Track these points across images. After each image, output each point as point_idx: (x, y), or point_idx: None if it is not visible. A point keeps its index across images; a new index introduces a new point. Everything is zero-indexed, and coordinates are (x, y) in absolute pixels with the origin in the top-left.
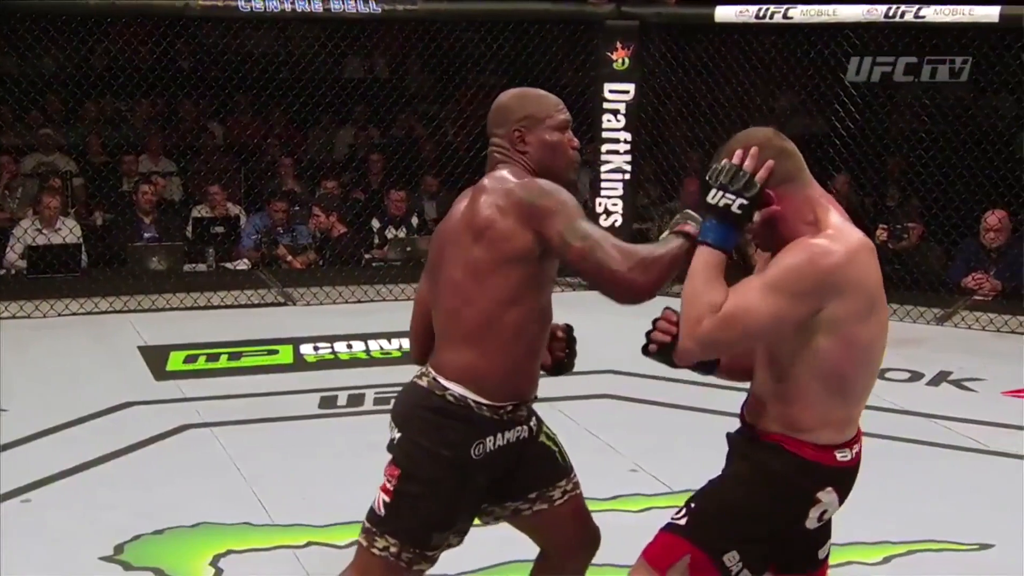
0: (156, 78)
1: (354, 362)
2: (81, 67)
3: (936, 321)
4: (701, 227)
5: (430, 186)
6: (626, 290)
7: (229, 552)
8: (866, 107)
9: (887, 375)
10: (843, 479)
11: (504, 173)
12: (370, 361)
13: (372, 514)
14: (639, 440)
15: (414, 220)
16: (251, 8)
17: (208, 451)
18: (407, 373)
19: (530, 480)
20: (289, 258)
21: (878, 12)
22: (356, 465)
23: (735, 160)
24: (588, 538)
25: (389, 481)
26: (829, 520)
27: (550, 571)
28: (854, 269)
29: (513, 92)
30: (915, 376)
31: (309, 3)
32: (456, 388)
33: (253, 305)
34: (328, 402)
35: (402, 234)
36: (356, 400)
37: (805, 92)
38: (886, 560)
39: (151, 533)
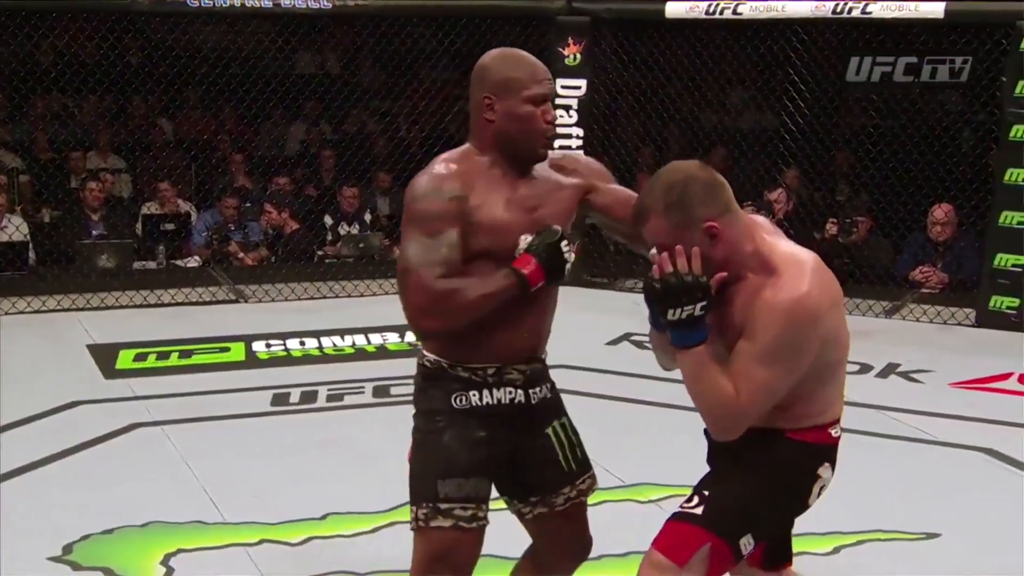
0: (104, 74)
1: (307, 359)
2: (27, 63)
3: (885, 314)
4: (672, 336)
5: (383, 182)
6: (412, 328)
7: (180, 551)
8: (815, 103)
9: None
10: (835, 453)
11: (442, 157)
12: (323, 358)
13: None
14: (590, 434)
15: (367, 216)
16: (200, 3)
17: (158, 450)
18: (360, 370)
19: (533, 481)
20: (241, 255)
21: (826, 8)
22: (309, 462)
23: (680, 267)
24: (580, 547)
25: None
26: None
27: (537, 570)
28: (823, 295)
29: (497, 53)
30: (864, 368)
31: None
32: (430, 355)
33: (204, 303)
34: (281, 399)
35: (355, 230)
36: (309, 397)
37: (755, 87)
38: (836, 550)
39: (100, 533)
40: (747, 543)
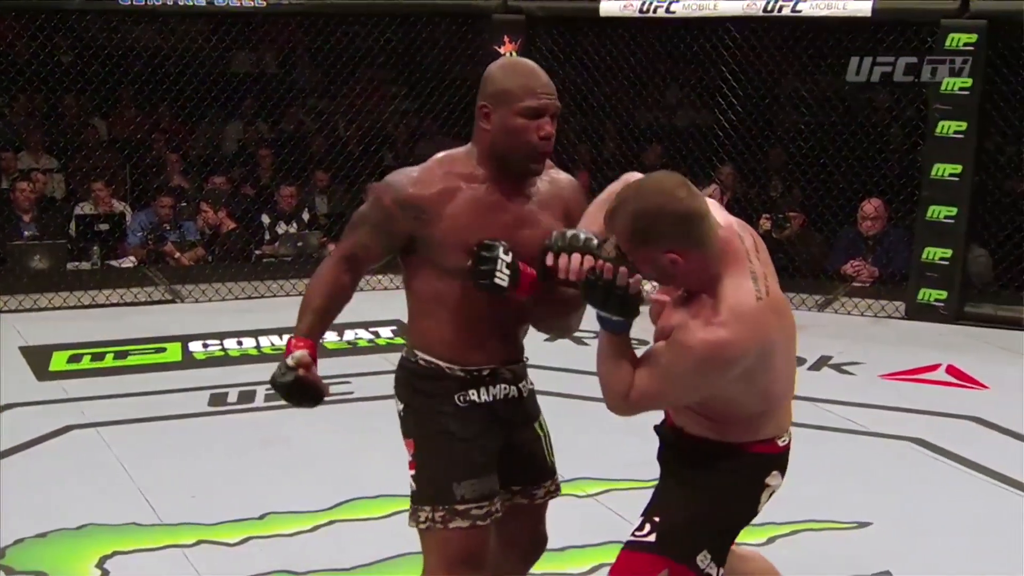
0: (35, 73)
1: (245, 359)
2: None
3: (817, 307)
4: (597, 317)
5: (320, 181)
6: None
7: (115, 553)
8: (747, 100)
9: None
10: (784, 461)
11: (440, 155)
12: (261, 357)
13: (411, 494)
14: None
15: (305, 215)
16: (132, 2)
17: (93, 452)
18: None
19: (519, 471)
20: (177, 255)
21: (757, 7)
22: (247, 462)
23: (607, 275)
24: (535, 546)
25: (410, 454)
26: None
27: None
28: (750, 345)
29: (504, 62)
30: (798, 361)
31: None
32: (425, 355)
33: (140, 303)
34: (218, 399)
35: (293, 229)
36: (247, 397)
37: (689, 85)
38: (770, 540)
39: (34, 536)
40: (704, 559)
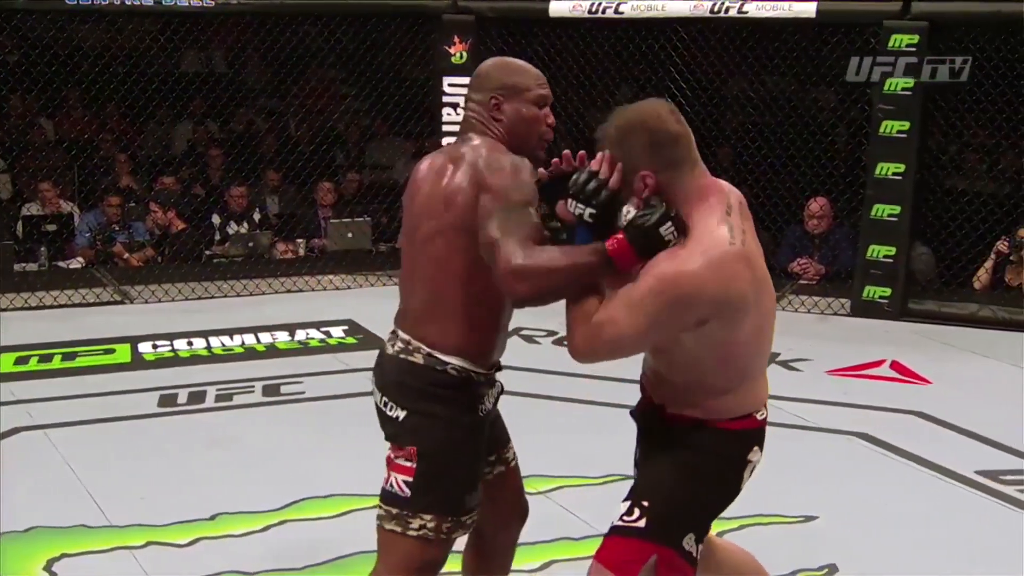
0: None
1: (195, 359)
2: None
3: None
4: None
5: (271, 181)
6: (508, 293)
7: (64, 556)
8: (696, 100)
9: None
10: (763, 435)
11: (476, 142)
12: (212, 358)
13: (395, 498)
14: None
15: (255, 215)
16: (78, 1)
17: (41, 454)
18: (250, 369)
19: (492, 443)
20: (126, 255)
21: (704, 7)
22: (197, 463)
23: (593, 166)
24: (523, 508)
25: (407, 460)
26: None
27: (486, 551)
28: (713, 287)
29: (496, 60)
30: None
31: None
32: (455, 361)
33: (88, 304)
34: (168, 400)
35: (243, 229)
36: (197, 398)
37: (638, 85)
38: (719, 535)
39: None
40: (689, 542)
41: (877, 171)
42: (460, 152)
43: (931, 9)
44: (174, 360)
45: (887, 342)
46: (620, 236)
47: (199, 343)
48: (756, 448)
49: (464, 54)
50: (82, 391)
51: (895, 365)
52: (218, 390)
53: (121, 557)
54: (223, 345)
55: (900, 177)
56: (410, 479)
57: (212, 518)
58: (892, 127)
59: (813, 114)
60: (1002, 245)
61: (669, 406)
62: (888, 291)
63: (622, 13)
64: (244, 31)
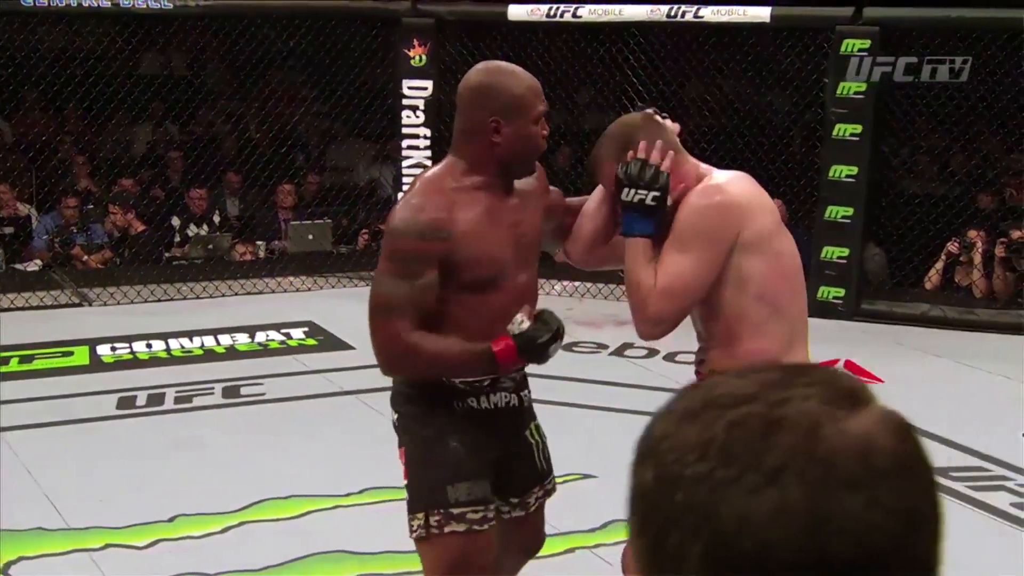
0: None
1: (154, 361)
2: None
3: None
4: (624, 221)
5: (232, 182)
6: (379, 365)
7: (21, 559)
8: (654, 103)
9: (677, 358)
10: None
11: (427, 174)
12: (170, 360)
13: (407, 504)
14: None
15: (215, 217)
16: (35, 3)
17: None
18: (209, 371)
19: (514, 482)
20: (85, 257)
21: (661, 12)
22: (156, 464)
23: (640, 154)
24: (535, 544)
25: (402, 463)
26: None
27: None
28: (744, 194)
29: (492, 69)
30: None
31: None
32: None
33: (46, 307)
34: (126, 403)
35: (203, 231)
36: (156, 400)
37: (596, 88)
38: None
39: None
40: None
41: (830, 174)
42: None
43: (882, 14)
44: (133, 362)
45: (841, 341)
46: (511, 342)
47: (158, 345)
48: None
49: (423, 57)
50: (40, 394)
51: (848, 364)
52: (177, 392)
53: (79, 560)
54: (182, 347)
55: (853, 180)
56: (406, 481)
57: (171, 520)
58: (845, 130)
59: (768, 117)
60: (952, 246)
61: (706, 364)
62: (842, 292)
63: (580, 17)
64: (204, 33)
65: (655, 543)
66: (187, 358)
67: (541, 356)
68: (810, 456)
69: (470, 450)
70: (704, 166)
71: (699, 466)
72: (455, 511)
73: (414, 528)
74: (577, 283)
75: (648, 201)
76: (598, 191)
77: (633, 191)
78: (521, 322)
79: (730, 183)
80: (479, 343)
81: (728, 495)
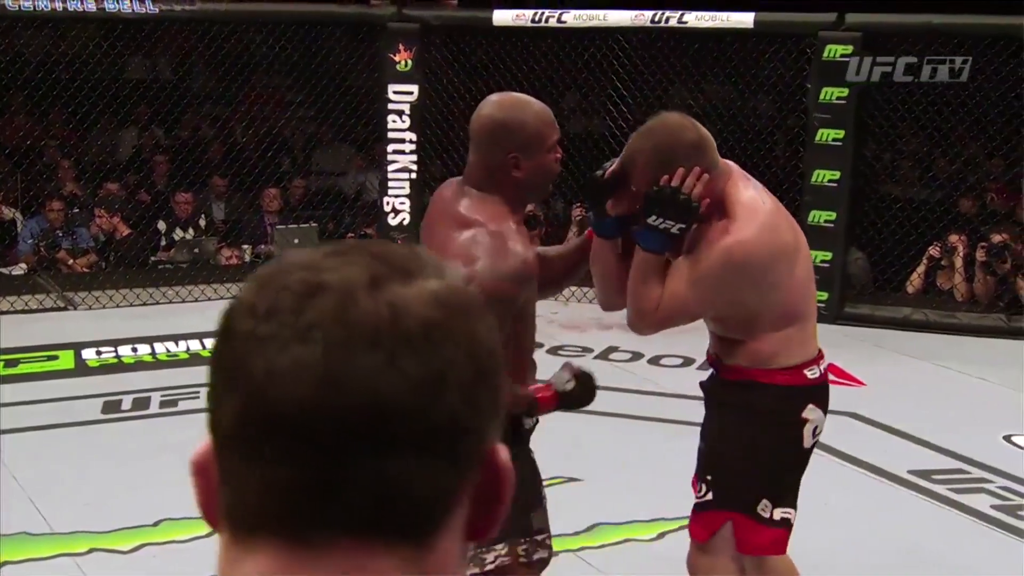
0: None
1: (140, 365)
2: None
3: None
4: (641, 236)
5: (217, 186)
6: None
7: (5, 564)
8: (638, 108)
9: (661, 361)
10: (819, 395)
11: (482, 215)
12: (156, 364)
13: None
14: None
15: (201, 221)
16: (19, 7)
17: None
18: (195, 375)
19: None
20: (70, 261)
21: (645, 18)
22: (142, 469)
23: (675, 182)
24: None
25: None
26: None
27: None
28: (767, 248)
29: (508, 104)
30: (687, 361)
31: (82, 3)
32: None
33: (31, 311)
34: (112, 407)
35: (189, 235)
36: (141, 403)
37: (581, 93)
38: (661, 536)
39: None
40: (766, 508)
41: (813, 178)
42: (462, 216)
43: (865, 20)
44: (118, 366)
45: (823, 345)
46: (553, 395)
47: (144, 349)
48: (811, 406)
49: (409, 62)
50: (25, 398)
51: (831, 367)
52: (163, 396)
53: (64, 565)
54: (168, 351)
55: (836, 184)
56: None
57: (156, 524)
58: (828, 135)
59: (751, 122)
60: (934, 250)
61: (724, 356)
62: (825, 295)
63: (565, 22)
64: (189, 38)
65: (210, 400)
66: (173, 362)
67: (571, 410)
68: (339, 318)
69: (535, 474)
70: (731, 176)
71: (246, 323)
72: (538, 538)
73: (489, 561)
74: None
75: (672, 231)
76: (577, 241)
77: (661, 220)
78: (568, 380)
79: (760, 234)
80: (521, 387)
81: (262, 349)
